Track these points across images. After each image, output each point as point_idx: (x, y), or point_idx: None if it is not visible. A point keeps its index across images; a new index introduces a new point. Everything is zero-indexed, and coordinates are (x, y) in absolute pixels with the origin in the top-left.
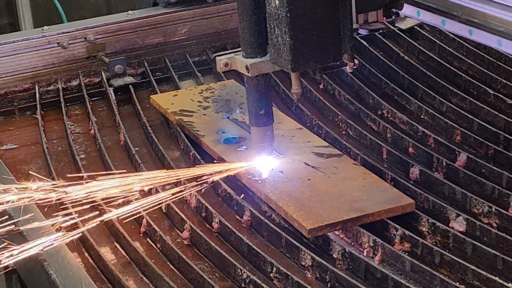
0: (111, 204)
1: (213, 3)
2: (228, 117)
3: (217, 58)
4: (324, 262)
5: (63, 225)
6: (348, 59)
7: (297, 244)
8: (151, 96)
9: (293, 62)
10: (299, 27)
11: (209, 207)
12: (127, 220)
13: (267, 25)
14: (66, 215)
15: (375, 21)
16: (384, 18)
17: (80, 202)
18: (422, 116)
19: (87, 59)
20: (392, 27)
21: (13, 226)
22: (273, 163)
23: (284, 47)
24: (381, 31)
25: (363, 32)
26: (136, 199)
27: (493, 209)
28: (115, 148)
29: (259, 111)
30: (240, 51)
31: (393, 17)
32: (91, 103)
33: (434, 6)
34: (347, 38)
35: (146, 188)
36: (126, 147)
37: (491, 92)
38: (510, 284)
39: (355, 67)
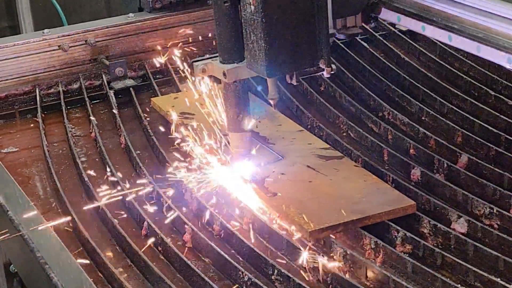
0: None
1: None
2: None
3: (194, 64)
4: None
5: None
6: (324, 64)
7: (298, 246)
8: (151, 98)
9: (269, 68)
10: (274, 32)
11: (210, 209)
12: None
13: (243, 31)
14: None
15: (353, 25)
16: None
17: None
18: (423, 118)
19: (88, 62)
20: (393, 29)
21: None
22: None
23: (260, 53)
24: (359, 36)
25: (341, 37)
26: None
27: (495, 211)
28: (116, 151)
29: (237, 117)
30: (217, 56)
31: (372, 22)
32: (91, 106)
33: (414, 11)
34: (323, 43)
35: None
36: (127, 150)
37: (492, 93)
38: (511, 286)
39: (332, 72)
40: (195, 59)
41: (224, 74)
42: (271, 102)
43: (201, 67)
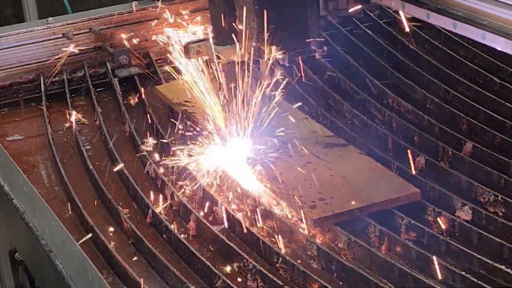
0: None
1: None
2: None
3: (189, 45)
4: (330, 252)
5: None
6: (316, 46)
7: (303, 233)
8: (156, 86)
9: (261, 49)
10: (266, 14)
11: (215, 196)
12: None
13: (236, 13)
14: None
15: (344, 8)
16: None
17: None
18: (427, 105)
19: (92, 50)
20: (398, 16)
21: None
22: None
23: (252, 35)
24: (351, 16)
25: (332, 19)
26: None
27: (499, 198)
28: (120, 139)
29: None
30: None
31: (363, 3)
32: (96, 94)
33: None
34: (314, 25)
35: None
36: (132, 138)
37: (497, 80)
38: None
39: (324, 53)
40: (190, 41)
41: (218, 56)
42: (265, 83)
43: (196, 49)
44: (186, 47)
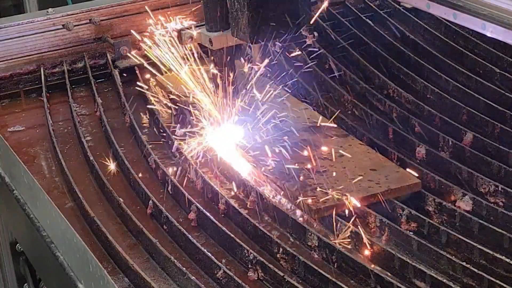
0: None
1: None
2: None
3: (182, 32)
4: (331, 243)
5: None
6: (306, 31)
7: (304, 224)
8: (156, 77)
9: (252, 35)
10: (257, 0)
11: (216, 188)
12: None
13: None
14: None
15: None
16: None
17: None
18: (428, 95)
19: (93, 41)
20: (398, 6)
21: None
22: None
23: (243, 20)
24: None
25: (324, 4)
26: None
27: (500, 188)
28: (121, 129)
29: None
30: (204, 25)
31: None
32: (96, 85)
33: None
34: (305, 10)
35: None
36: (132, 128)
37: (497, 70)
38: None
39: (314, 39)
40: (183, 28)
41: (210, 42)
42: (255, 68)
43: (189, 35)
44: (179, 33)
